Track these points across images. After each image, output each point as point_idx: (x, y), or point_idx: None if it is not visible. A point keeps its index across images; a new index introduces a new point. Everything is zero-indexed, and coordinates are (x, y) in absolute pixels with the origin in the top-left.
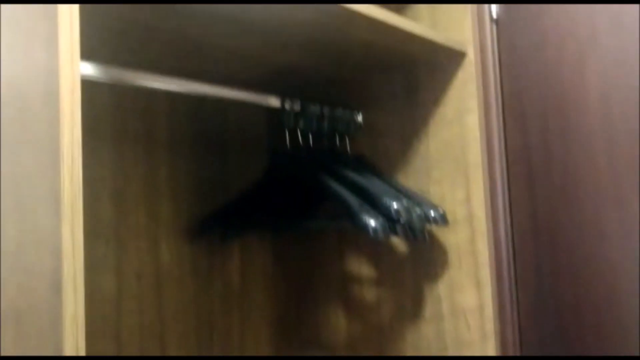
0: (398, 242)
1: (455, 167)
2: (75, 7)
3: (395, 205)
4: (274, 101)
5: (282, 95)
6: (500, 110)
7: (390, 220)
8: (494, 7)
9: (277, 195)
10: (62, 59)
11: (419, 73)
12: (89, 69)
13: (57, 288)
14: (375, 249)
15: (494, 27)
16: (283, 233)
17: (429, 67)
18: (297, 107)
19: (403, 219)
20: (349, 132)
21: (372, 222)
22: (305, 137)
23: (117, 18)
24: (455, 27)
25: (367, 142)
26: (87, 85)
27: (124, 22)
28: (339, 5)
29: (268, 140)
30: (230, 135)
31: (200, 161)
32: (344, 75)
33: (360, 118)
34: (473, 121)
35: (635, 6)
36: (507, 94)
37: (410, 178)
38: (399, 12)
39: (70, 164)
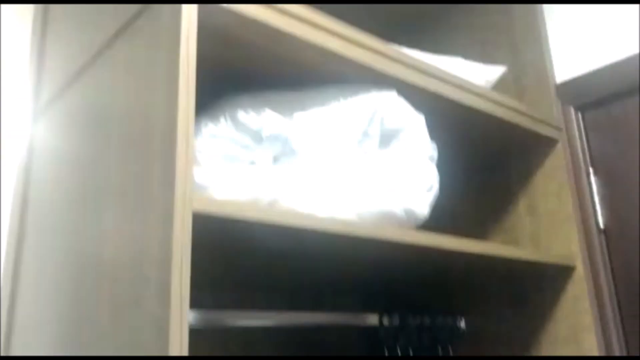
0: None
1: None
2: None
3: None
4: (371, 319)
5: (381, 311)
6: (620, 327)
7: None
8: (600, 218)
9: None
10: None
11: (525, 285)
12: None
13: None
14: None
15: (602, 237)
16: None
17: (535, 281)
18: (396, 321)
19: None
20: (451, 340)
21: None
22: (404, 351)
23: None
24: (561, 241)
25: (471, 349)
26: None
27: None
28: (438, 249)
29: None
30: None
31: None
32: (447, 279)
33: (463, 324)
34: (590, 341)
35: None
36: (625, 306)
37: None
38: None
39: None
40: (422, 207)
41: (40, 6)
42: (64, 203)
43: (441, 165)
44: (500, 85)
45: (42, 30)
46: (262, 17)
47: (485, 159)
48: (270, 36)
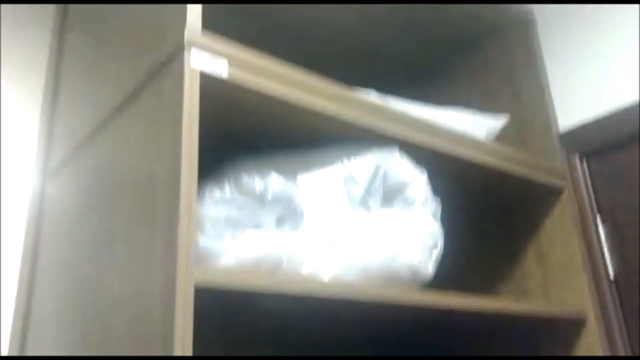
0: None
1: None
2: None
3: None
4: None
5: None
6: None
7: None
8: (611, 267)
9: None
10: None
11: (537, 339)
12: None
13: None
14: None
15: (614, 287)
16: None
17: (547, 334)
18: None
19: None
20: None
21: None
22: None
23: None
24: (572, 291)
25: None
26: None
27: None
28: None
29: None
30: None
31: None
32: (456, 336)
33: None
34: None
35: None
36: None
37: None
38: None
39: None
40: (427, 265)
41: (51, 72)
42: (73, 261)
43: (447, 218)
44: (503, 134)
45: (53, 98)
46: (261, 87)
47: (492, 210)
48: (271, 103)
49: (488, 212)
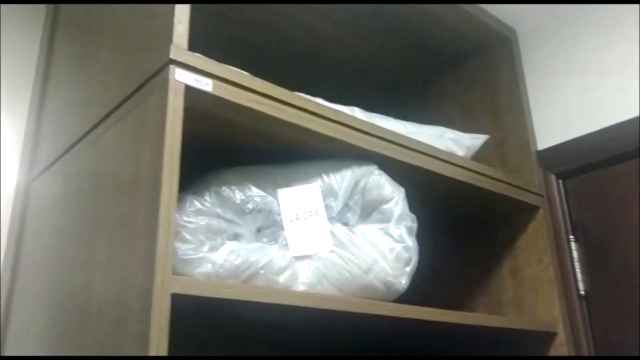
0: None
1: None
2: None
3: None
4: None
5: None
6: None
7: None
8: (581, 284)
9: None
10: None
11: (508, 351)
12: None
13: None
14: None
15: (583, 303)
16: None
17: (518, 346)
18: None
19: None
20: None
21: None
22: None
23: None
24: (543, 306)
25: None
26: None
27: None
28: (418, 320)
29: None
30: None
31: None
32: (430, 348)
33: None
34: None
35: None
36: None
37: None
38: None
39: None
40: (401, 279)
41: (39, 80)
42: (54, 265)
43: (425, 232)
44: (483, 151)
45: (40, 101)
46: (244, 101)
47: (470, 224)
48: (253, 117)
49: (467, 226)
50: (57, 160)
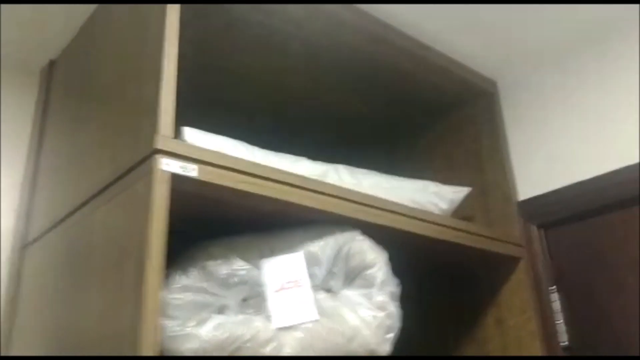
0: None
1: None
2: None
3: None
4: None
5: None
6: None
7: None
8: (564, 335)
9: None
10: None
11: None
12: None
13: None
14: None
15: (567, 354)
16: None
17: None
18: None
19: None
20: None
21: None
22: None
23: None
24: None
25: None
26: None
27: None
28: None
29: None
30: None
31: None
32: None
33: None
34: None
35: None
36: None
37: None
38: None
39: None
40: (384, 347)
41: (32, 153)
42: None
43: (412, 285)
44: (466, 202)
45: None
46: (228, 182)
47: (454, 275)
48: (237, 195)
49: (450, 277)
50: (49, 230)
